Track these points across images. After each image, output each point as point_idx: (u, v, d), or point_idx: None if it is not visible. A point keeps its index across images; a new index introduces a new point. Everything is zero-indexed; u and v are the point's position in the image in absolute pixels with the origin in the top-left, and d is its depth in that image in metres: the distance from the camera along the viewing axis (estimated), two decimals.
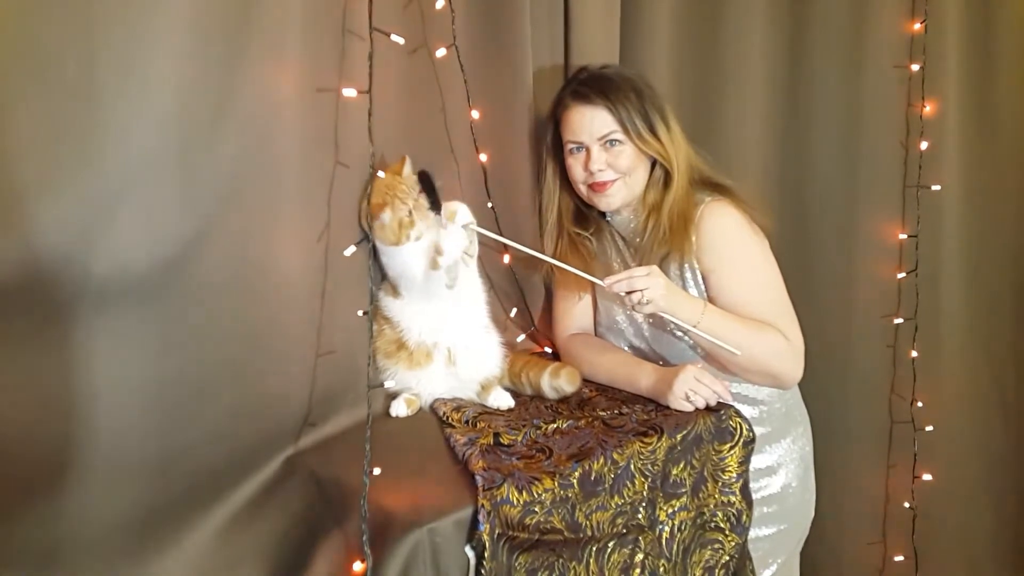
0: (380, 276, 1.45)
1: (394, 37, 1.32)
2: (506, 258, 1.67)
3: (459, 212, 1.37)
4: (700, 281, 1.56)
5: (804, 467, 1.69)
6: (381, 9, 1.27)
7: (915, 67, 2.09)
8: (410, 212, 1.35)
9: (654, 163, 1.58)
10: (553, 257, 1.61)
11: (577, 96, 1.57)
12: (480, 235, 1.43)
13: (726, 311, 1.50)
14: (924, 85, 2.09)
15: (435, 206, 1.38)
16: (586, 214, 1.68)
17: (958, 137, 2.18)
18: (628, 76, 1.59)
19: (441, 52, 1.50)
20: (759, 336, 1.49)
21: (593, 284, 1.55)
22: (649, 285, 1.38)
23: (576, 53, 1.80)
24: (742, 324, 1.49)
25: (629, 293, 1.39)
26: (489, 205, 1.63)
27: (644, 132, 1.53)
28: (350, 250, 1.30)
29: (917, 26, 2.08)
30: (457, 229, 1.37)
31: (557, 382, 1.48)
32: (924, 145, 2.11)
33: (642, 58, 1.94)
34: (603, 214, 1.67)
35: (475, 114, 1.58)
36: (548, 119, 1.66)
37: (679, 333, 1.56)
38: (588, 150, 1.56)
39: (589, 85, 1.57)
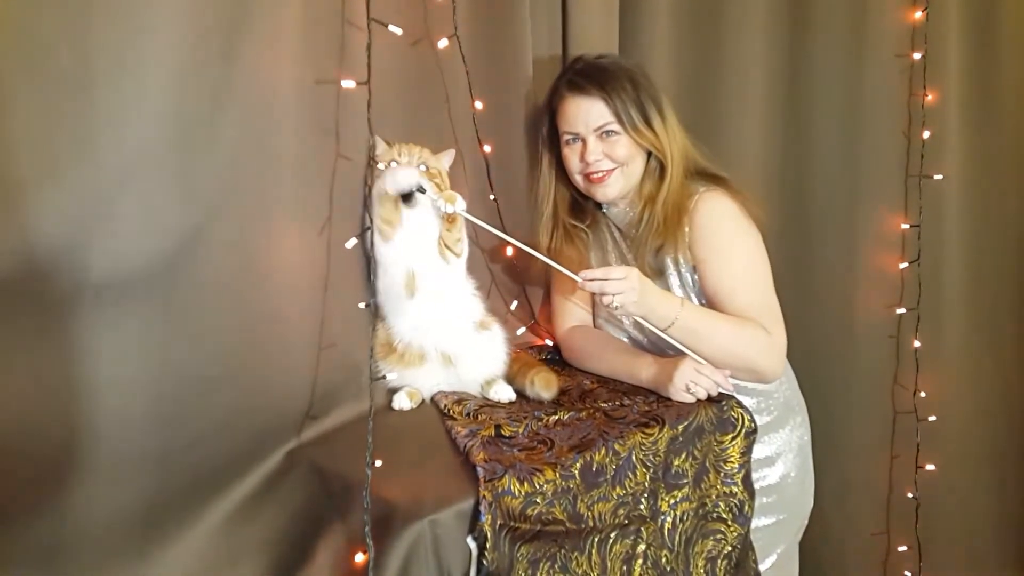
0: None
1: (392, 28, 1.32)
2: (508, 250, 1.66)
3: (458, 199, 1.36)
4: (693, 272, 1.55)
5: (802, 456, 1.69)
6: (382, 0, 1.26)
7: (916, 56, 2.08)
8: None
9: (650, 154, 1.57)
10: (548, 249, 1.60)
11: (573, 87, 1.55)
12: (477, 228, 1.42)
13: (709, 307, 1.48)
14: (925, 74, 2.08)
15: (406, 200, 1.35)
16: (582, 205, 1.67)
17: (960, 126, 2.17)
18: (624, 66, 1.58)
19: (443, 43, 1.50)
20: (741, 331, 1.45)
21: None
22: (623, 290, 1.33)
23: (574, 43, 1.79)
24: (723, 320, 1.46)
25: (602, 294, 1.34)
26: (491, 197, 1.63)
27: (639, 123, 1.52)
28: (351, 242, 1.30)
29: (918, 14, 2.07)
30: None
31: (534, 390, 1.45)
32: (926, 134, 2.10)
33: (641, 47, 1.93)
34: (599, 206, 1.66)
35: (478, 105, 1.57)
36: (544, 109, 1.65)
37: None
38: (584, 141, 1.55)
39: (585, 75, 1.55)
